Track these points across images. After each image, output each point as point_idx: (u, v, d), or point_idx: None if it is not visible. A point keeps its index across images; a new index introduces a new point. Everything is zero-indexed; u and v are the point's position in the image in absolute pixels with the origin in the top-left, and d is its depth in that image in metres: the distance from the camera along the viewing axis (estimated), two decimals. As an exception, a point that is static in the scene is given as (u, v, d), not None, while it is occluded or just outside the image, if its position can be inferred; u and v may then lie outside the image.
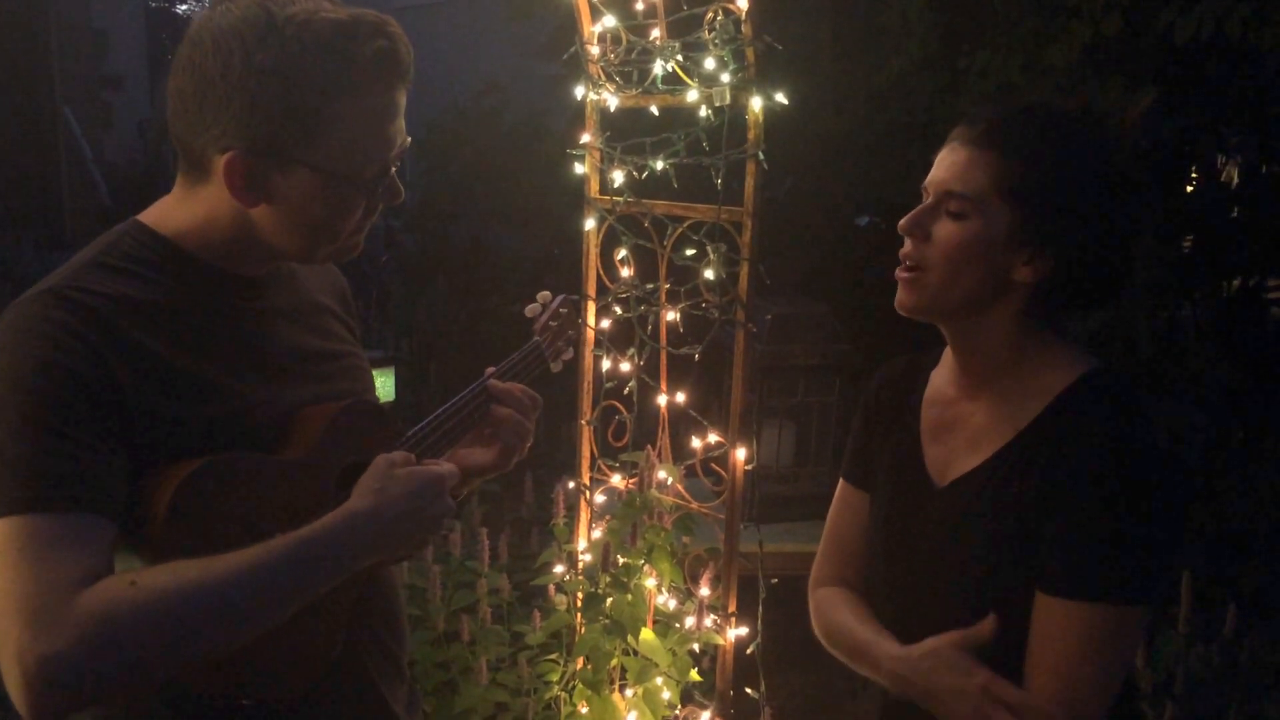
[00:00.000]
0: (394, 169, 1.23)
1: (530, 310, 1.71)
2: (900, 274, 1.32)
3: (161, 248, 1.19)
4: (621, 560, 2.46)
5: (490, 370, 1.51)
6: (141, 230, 1.21)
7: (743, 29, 2.17)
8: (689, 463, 2.52)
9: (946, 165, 1.29)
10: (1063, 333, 1.33)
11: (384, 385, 4.14)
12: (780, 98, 2.21)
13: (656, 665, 2.40)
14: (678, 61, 2.30)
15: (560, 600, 2.59)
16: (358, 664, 1.32)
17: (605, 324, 2.60)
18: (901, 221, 1.30)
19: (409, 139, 1.23)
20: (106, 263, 1.16)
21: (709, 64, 2.24)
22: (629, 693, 2.49)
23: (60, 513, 1.03)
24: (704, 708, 2.49)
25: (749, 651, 2.47)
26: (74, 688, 0.98)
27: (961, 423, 1.37)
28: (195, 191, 1.19)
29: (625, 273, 2.54)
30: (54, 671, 0.97)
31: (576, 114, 2.62)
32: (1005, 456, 1.29)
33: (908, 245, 1.31)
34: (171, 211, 1.22)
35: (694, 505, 2.52)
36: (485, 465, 1.48)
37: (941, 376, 1.43)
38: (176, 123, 1.16)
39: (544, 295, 1.74)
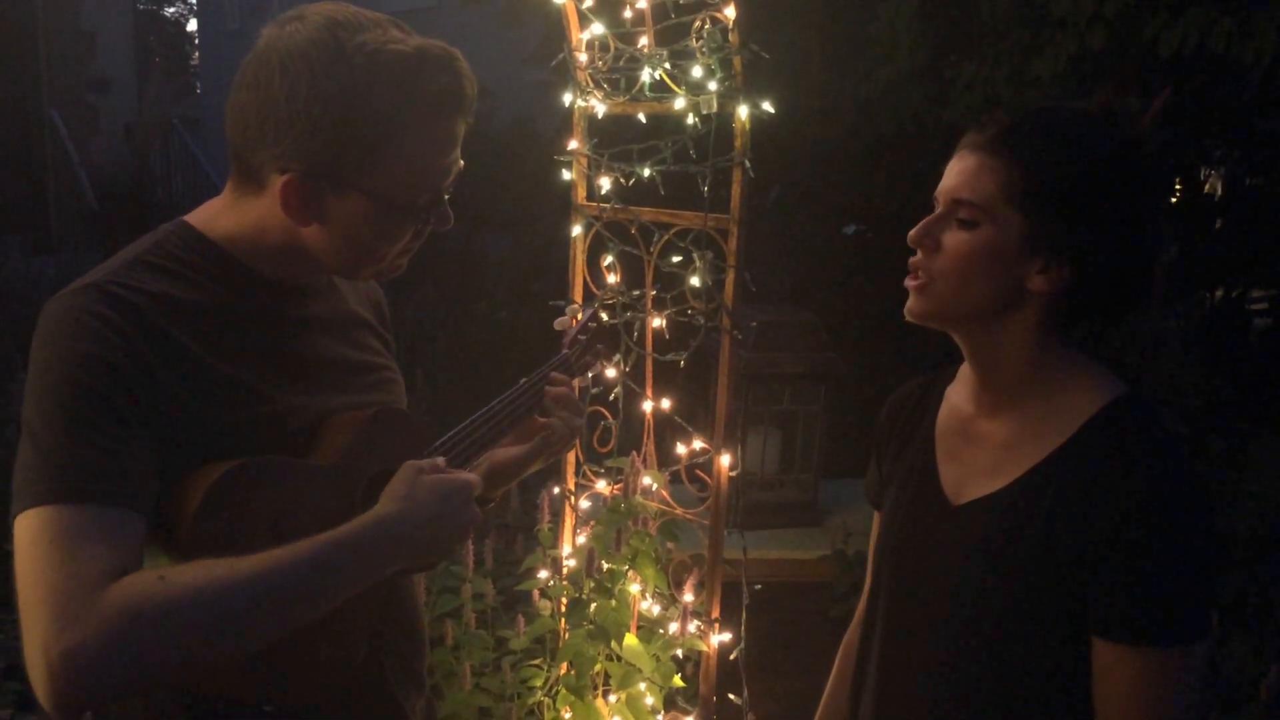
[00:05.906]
0: (447, 195, 1.24)
1: (559, 324, 1.67)
2: (909, 283, 1.27)
3: (208, 250, 1.20)
4: (606, 566, 2.46)
5: (523, 381, 1.51)
6: (188, 232, 1.21)
7: (730, 37, 2.18)
8: (674, 469, 2.52)
9: (955, 173, 1.25)
10: (1090, 352, 1.28)
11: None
12: (767, 106, 2.22)
13: (640, 671, 2.39)
14: (665, 69, 2.31)
15: (544, 605, 2.59)
16: (377, 674, 1.32)
17: (591, 330, 2.60)
18: (911, 232, 1.26)
19: (463, 163, 1.23)
20: (151, 261, 1.17)
21: (696, 72, 2.24)
22: (612, 698, 2.49)
23: (92, 505, 1.03)
24: (687, 714, 2.50)
25: (732, 657, 2.47)
26: (96, 681, 0.98)
27: (980, 440, 1.31)
28: (247, 200, 1.20)
29: (612, 279, 2.54)
30: (77, 664, 0.97)
31: (564, 120, 2.63)
32: (1030, 482, 1.23)
33: (918, 255, 1.27)
34: (220, 216, 1.23)
35: (679, 511, 2.52)
36: (522, 457, 1.49)
37: (958, 393, 1.38)
38: (235, 136, 1.17)
39: (574, 309, 1.69)
